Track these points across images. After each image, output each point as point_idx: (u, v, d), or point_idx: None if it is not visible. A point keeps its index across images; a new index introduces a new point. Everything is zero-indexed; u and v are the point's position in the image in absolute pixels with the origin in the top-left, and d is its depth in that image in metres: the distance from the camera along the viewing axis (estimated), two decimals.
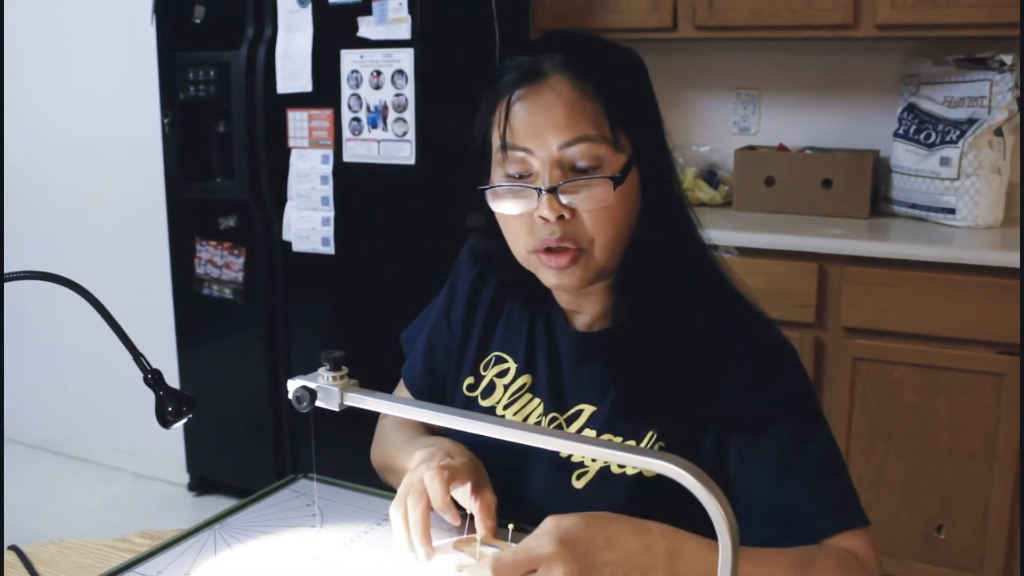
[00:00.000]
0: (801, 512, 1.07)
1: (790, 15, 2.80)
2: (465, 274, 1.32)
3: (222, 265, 3.16)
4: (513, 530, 0.95)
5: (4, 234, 3.90)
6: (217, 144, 3.10)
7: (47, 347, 3.90)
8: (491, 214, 1.13)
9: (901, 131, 2.89)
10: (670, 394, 1.01)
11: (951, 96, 2.79)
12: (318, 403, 0.88)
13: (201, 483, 3.50)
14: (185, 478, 3.53)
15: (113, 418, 3.76)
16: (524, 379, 1.22)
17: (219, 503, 3.37)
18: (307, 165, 2.92)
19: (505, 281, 1.24)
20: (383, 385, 1.06)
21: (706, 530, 0.81)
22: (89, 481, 3.69)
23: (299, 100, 2.88)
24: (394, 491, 1.10)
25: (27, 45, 3.68)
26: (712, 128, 3.30)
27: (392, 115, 2.74)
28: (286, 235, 2.99)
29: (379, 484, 1.23)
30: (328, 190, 2.89)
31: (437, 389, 1.31)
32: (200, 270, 3.20)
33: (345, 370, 0.89)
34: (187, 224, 3.21)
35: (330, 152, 2.87)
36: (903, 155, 2.88)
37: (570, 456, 1.14)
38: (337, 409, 0.88)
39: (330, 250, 2.92)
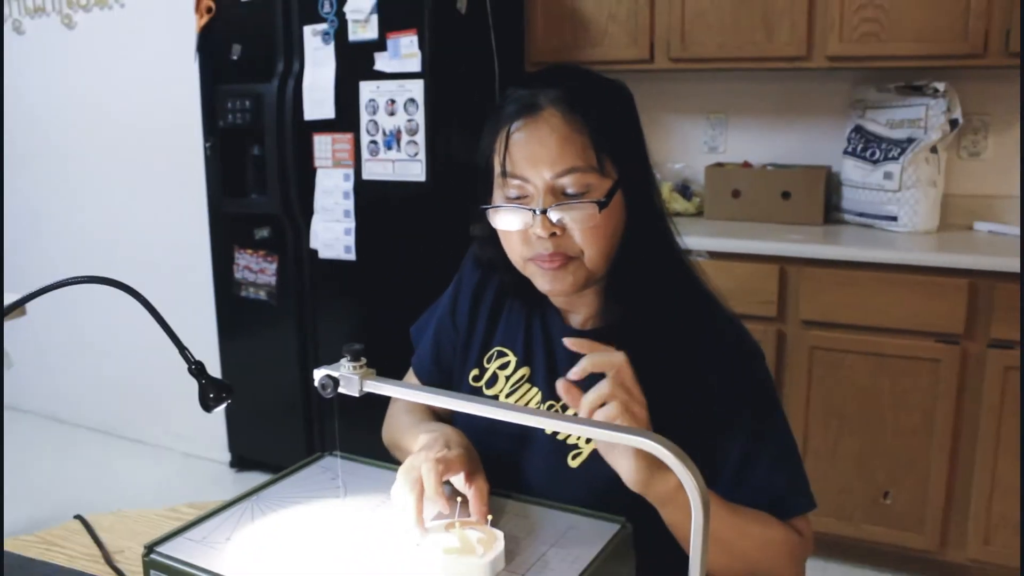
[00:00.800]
0: (758, 496, 1.08)
1: (752, 48, 2.80)
2: (469, 277, 1.31)
3: (257, 271, 3.15)
4: (491, 519, 0.94)
5: (4, 251, 3.90)
6: (252, 165, 3.10)
7: (106, 344, 3.89)
8: (492, 226, 1.14)
9: (850, 149, 2.88)
10: (653, 383, 1.02)
11: (892, 119, 2.79)
12: (340, 389, 0.88)
13: (241, 461, 3.49)
14: (227, 457, 3.53)
15: (165, 405, 3.75)
16: (523, 371, 1.22)
17: (257, 478, 3.37)
18: (331, 182, 2.91)
19: (505, 282, 1.24)
20: (397, 373, 1.05)
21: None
22: (144, 460, 3.69)
23: (323, 126, 2.88)
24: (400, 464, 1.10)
25: (92, 79, 3.68)
26: (685, 147, 3.29)
27: (405, 138, 2.73)
28: (313, 244, 2.99)
29: (395, 460, 1.23)
30: (350, 204, 2.89)
31: (444, 380, 1.31)
32: (238, 275, 3.20)
33: (364, 360, 0.89)
34: (227, 235, 3.20)
35: (351, 171, 2.86)
36: (852, 170, 2.87)
37: (566, 439, 1.15)
38: (357, 395, 0.88)
39: (352, 257, 2.91)
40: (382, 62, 2.73)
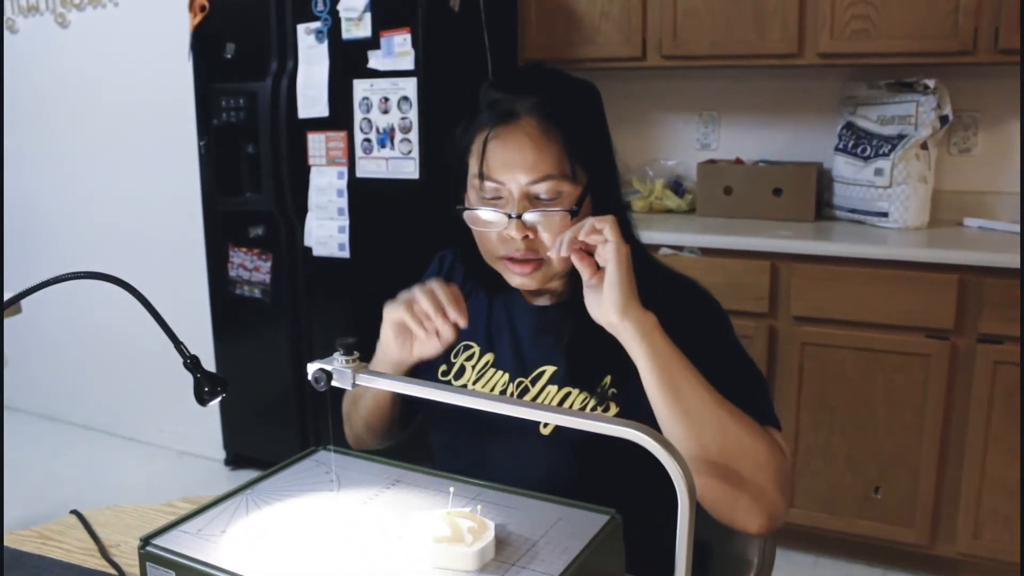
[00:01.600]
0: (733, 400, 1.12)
1: (744, 46, 2.82)
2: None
3: (252, 268, 3.16)
4: (482, 510, 0.96)
5: (4, 247, 3.90)
6: (247, 163, 3.11)
7: (100, 341, 3.90)
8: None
9: (841, 145, 2.90)
10: (617, 348, 1.06)
11: (883, 115, 2.81)
12: (334, 383, 0.90)
13: (235, 458, 3.51)
14: (222, 454, 3.54)
15: (159, 403, 3.76)
16: (488, 356, 1.28)
17: (251, 475, 3.37)
18: (325, 180, 2.93)
19: (472, 269, 1.31)
20: None
21: (655, 466, 0.83)
22: (138, 458, 3.70)
23: (317, 124, 2.89)
24: (391, 458, 1.13)
25: (86, 78, 3.69)
26: (678, 144, 3.31)
27: (399, 136, 2.75)
28: (307, 242, 3.00)
29: (386, 454, 1.24)
30: (343, 202, 2.90)
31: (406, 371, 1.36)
32: (233, 273, 3.21)
33: (357, 354, 0.90)
34: (221, 233, 3.22)
35: (345, 169, 2.88)
36: (843, 166, 2.89)
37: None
38: (350, 388, 0.90)
39: (345, 254, 2.93)
40: (375, 60, 2.74)
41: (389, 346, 1.21)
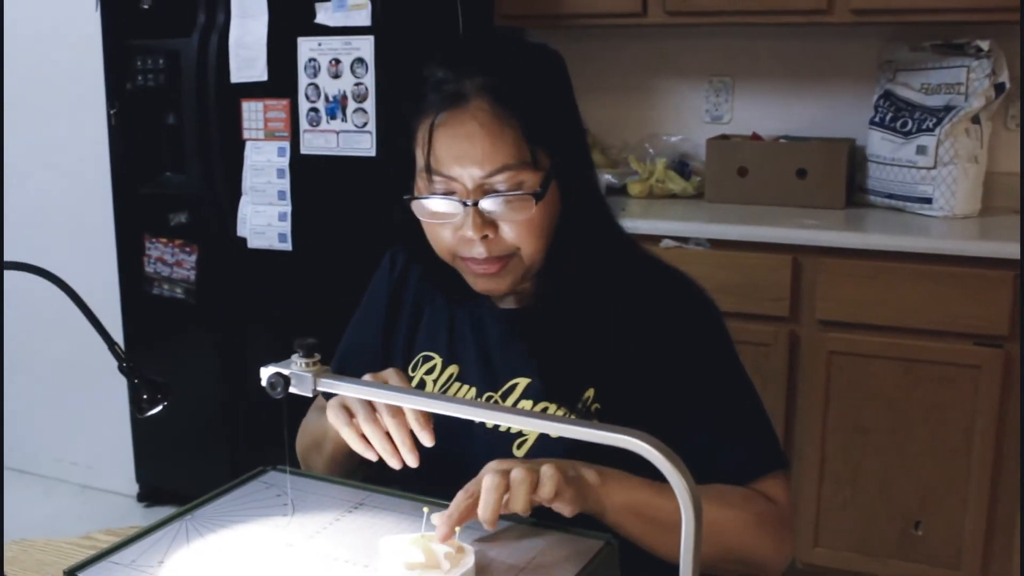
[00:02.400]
0: (722, 461, 1.21)
1: (763, 0, 2.87)
2: (381, 287, 1.45)
3: (173, 263, 3.19)
4: (460, 534, 1.03)
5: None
6: (167, 136, 3.12)
7: None
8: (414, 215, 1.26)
9: (877, 119, 2.96)
10: (597, 357, 1.13)
11: (928, 83, 2.87)
12: (292, 389, 0.96)
13: (151, 492, 3.53)
14: (134, 488, 3.56)
15: (56, 428, 3.77)
16: (451, 369, 1.35)
17: (169, 511, 3.40)
18: (263, 158, 2.96)
19: (428, 271, 1.36)
20: None
21: None
22: (33, 493, 3.70)
23: (254, 90, 2.92)
24: (351, 480, 1.20)
25: None
26: (683, 117, 3.37)
27: (352, 105, 2.79)
28: (240, 231, 3.03)
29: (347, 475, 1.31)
30: (285, 184, 2.94)
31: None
32: (149, 268, 3.23)
33: (318, 356, 0.97)
34: (135, 220, 3.24)
35: (287, 144, 2.92)
36: (879, 144, 2.95)
37: (510, 428, 1.27)
38: (311, 395, 0.96)
39: (287, 246, 2.96)
40: (324, 14, 2.78)
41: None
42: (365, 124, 2.79)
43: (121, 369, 1.00)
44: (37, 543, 1.35)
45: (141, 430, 3.40)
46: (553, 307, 1.23)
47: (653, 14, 3.01)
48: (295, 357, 0.97)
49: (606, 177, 3.23)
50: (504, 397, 1.30)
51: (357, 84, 2.78)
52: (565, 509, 1.05)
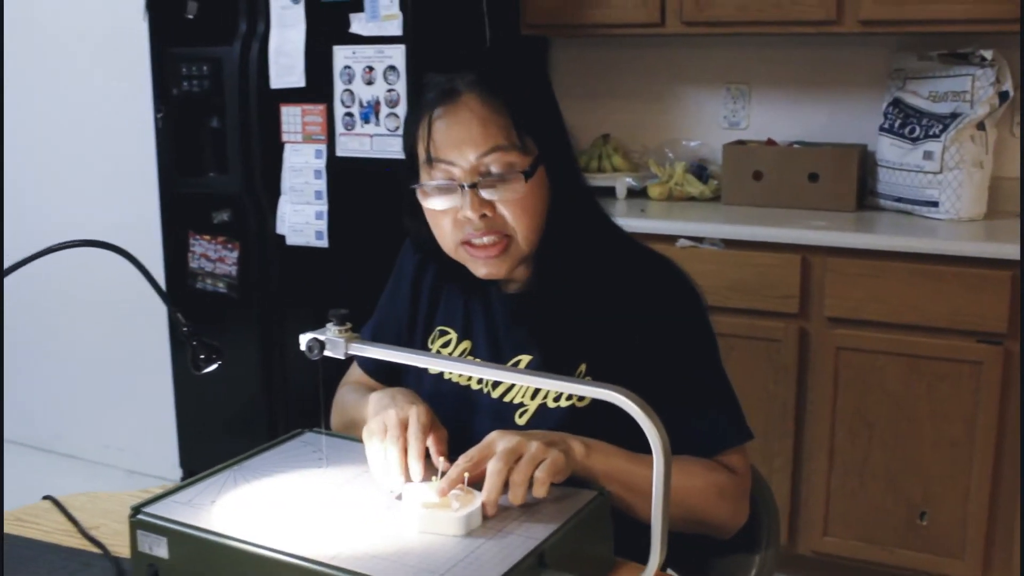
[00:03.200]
0: (690, 434, 1.36)
1: (775, 10, 2.98)
2: (407, 268, 1.62)
3: (216, 259, 3.33)
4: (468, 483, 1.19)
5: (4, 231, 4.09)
6: (210, 139, 3.27)
7: (34, 345, 4.06)
8: (423, 214, 1.43)
9: (887, 125, 3.06)
10: (589, 336, 1.32)
11: (935, 91, 2.97)
12: (326, 352, 1.13)
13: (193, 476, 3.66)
14: (178, 473, 3.68)
15: (102, 414, 3.92)
16: (464, 345, 1.51)
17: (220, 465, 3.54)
18: (300, 160, 3.11)
19: (440, 270, 1.53)
20: None
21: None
22: (81, 479, 3.81)
23: (292, 95, 3.06)
24: None
25: (20, 39, 3.87)
26: (701, 123, 3.49)
27: (384, 110, 2.92)
28: (280, 229, 3.17)
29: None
30: (322, 184, 3.08)
31: (390, 373, 1.60)
32: (194, 264, 3.37)
33: (349, 324, 1.13)
34: (181, 218, 3.37)
35: (323, 147, 3.06)
36: (888, 149, 3.05)
37: (512, 399, 1.43)
38: (343, 357, 1.13)
39: (323, 243, 3.10)
40: (358, 24, 2.92)
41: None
42: (397, 128, 2.90)
43: (182, 334, 1.17)
44: (102, 495, 1.53)
45: (185, 417, 3.54)
46: (549, 290, 1.39)
47: (671, 24, 3.12)
48: (330, 325, 1.14)
49: (627, 180, 3.37)
50: (515, 367, 1.45)
51: (389, 90, 2.90)
52: (556, 477, 1.19)
